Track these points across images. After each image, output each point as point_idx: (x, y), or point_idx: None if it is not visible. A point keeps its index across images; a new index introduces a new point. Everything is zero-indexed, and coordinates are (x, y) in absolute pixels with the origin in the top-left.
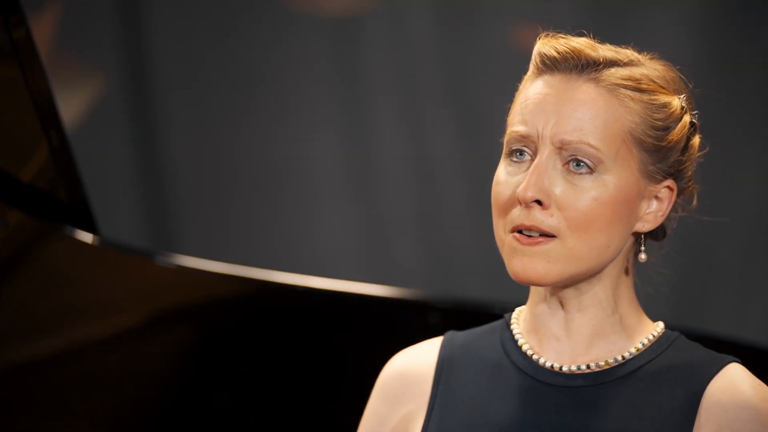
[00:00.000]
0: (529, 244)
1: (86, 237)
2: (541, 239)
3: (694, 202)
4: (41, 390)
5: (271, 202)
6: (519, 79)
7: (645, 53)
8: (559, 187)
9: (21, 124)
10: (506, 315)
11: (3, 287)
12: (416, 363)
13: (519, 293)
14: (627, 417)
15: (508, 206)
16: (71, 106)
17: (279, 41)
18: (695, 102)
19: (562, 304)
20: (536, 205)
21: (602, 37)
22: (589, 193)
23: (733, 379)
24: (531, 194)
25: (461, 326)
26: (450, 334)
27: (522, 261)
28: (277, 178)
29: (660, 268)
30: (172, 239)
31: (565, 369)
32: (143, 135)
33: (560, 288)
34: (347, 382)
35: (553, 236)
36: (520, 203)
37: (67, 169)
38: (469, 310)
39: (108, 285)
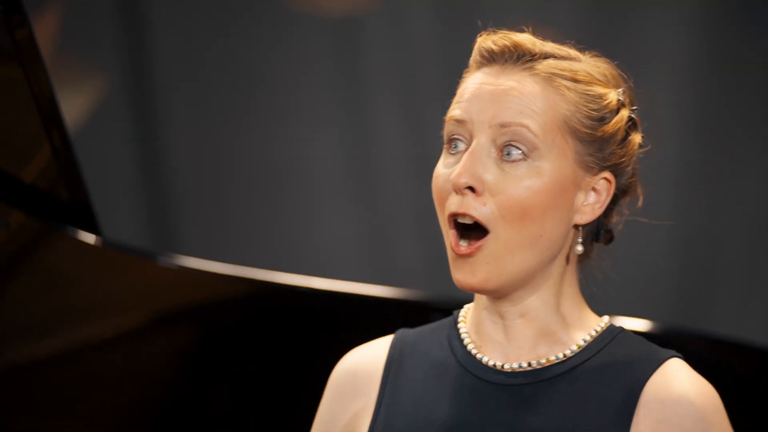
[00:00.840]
0: (466, 254)
1: (88, 237)
2: (476, 245)
3: (640, 201)
4: (42, 390)
5: (271, 202)
6: None
7: (587, 53)
8: (492, 174)
9: (23, 124)
10: (455, 312)
11: (5, 287)
12: (366, 361)
13: None
14: (567, 413)
15: (445, 197)
16: (73, 106)
17: (279, 41)
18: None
19: (501, 315)
20: (470, 192)
21: (602, 37)
22: (523, 181)
23: (672, 374)
24: (464, 180)
25: None
26: (401, 332)
27: (463, 270)
28: (277, 178)
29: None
30: (173, 239)
31: (507, 367)
32: (144, 135)
33: (499, 299)
34: None
35: (485, 231)
36: (455, 191)
37: (68, 169)
38: None
39: (109, 285)
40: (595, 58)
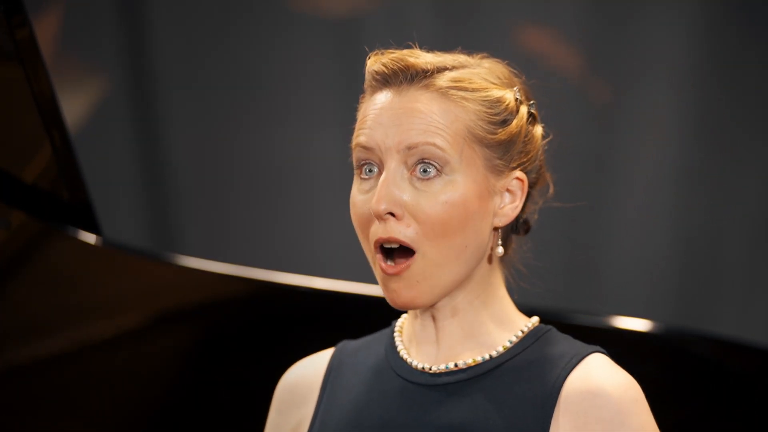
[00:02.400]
0: (395, 273)
1: (88, 237)
2: (402, 264)
3: (551, 190)
4: (43, 390)
5: (271, 202)
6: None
7: (475, 54)
8: (409, 195)
9: (24, 124)
10: (393, 322)
11: (6, 288)
12: (307, 373)
13: (520, 293)
14: (488, 409)
15: (366, 224)
16: (74, 106)
17: (280, 41)
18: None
19: (433, 316)
20: (391, 218)
21: (602, 37)
22: (440, 197)
23: (590, 368)
24: (383, 207)
25: None
26: (343, 343)
27: (396, 289)
28: (277, 178)
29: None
30: (174, 239)
31: (434, 369)
32: (145, 135)
33: None
34: None
35: (412, 252)
36: (377, 218)
37: (69, 169)
38: None
39: (110, 285)
40: (486, 60)
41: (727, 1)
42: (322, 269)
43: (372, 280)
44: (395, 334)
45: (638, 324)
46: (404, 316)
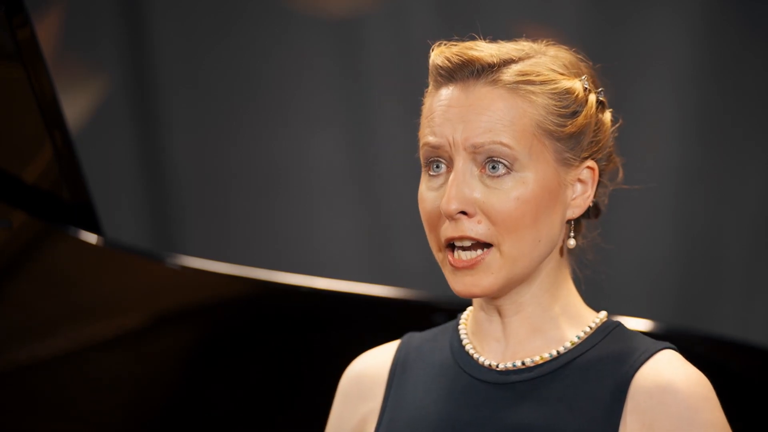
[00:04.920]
0: (467, 267)
1: (90, 237)
2: (477, 258)
3: (620, 174)
4: (43, 390)
5: (272, 203)
6: None
7: (541, 40)
8: (480, 193)
9: (25, 124)
10: (459, 315)
11: (7, 288)
12: (373, 366)
13: None
14: (558, 409)
15: (436, 221)
16: (75, 106)
17: (281, 41)
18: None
19: (499, 311)
20: (463, 216)
21: (602, 37)
22: (511, 194)
23: (660, 365)
24: (454, 206)
25: None
26: (408, 335)
27: (464, 281)
28: (278, 178)
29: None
30: (175, 239)
31: (501, 366)
32: (146, 135)
33: (495, 298)
34: None
35: (488, 245)
36: (447, 217)
37: (70, 169)
38: None
39: (111, 285)
40: (553, 47)
41: (728, 1)
42: (322, 269)
43: (372, 279)
44: (460, 327)
45: (638, 324)
46: (469, 309)
